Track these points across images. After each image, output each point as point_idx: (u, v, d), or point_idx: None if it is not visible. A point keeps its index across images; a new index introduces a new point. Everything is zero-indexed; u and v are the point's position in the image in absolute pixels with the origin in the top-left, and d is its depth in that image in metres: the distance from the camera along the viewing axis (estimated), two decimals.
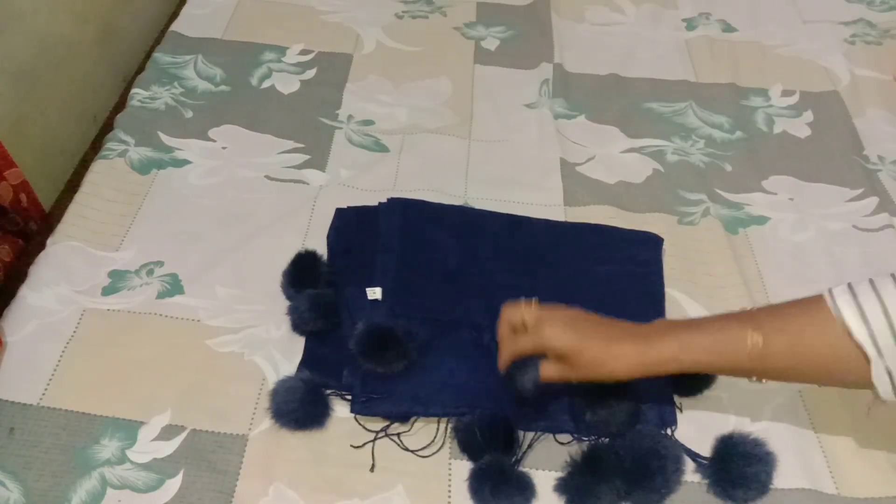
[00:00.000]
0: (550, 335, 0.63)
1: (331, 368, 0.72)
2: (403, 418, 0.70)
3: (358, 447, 0.68)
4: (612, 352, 0.62)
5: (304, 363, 0.74)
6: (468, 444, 0.68)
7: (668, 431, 0.70)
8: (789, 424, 0.71)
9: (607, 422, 0.69)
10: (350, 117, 1.04)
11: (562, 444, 0.69)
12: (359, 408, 0.70)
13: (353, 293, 0.78)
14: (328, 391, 0.71)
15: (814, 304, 0.58)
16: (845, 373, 0.58)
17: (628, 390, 0.69)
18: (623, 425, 0.68)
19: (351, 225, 0.87)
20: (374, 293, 0.78)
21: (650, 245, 0.86)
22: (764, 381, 0.61)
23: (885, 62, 1.18)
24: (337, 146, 0.99)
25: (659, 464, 0.65)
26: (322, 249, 0.84)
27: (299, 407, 0.68)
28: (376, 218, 0.87)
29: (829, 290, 0.58)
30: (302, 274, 0.80)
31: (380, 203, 0.88)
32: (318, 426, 0.69)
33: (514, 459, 0.67)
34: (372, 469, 0.67)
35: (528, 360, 0.65)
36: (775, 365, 0.59)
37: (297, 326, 0.76)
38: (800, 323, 0.59)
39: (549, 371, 0.64)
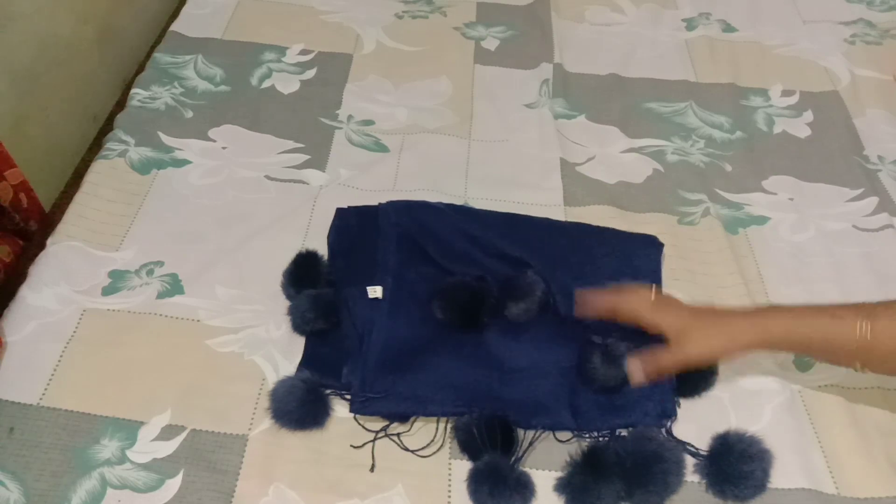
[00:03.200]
0: (665, 314, 0.68)
1: (331, 368, 0.72)
2: (403, 418, 0.70)
3: (358, 447, 0.68)
4: (723, 324, 0.66)
5: (304, 363, 0.74)
6: (468, 444, 0.68)
7: (668, 423, 0.70)
8: (789, 424, 0.71)
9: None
10: (350, 117, 1.04)
11: (562, 441, 0.69)
12: (358, 407, 0.70)
13: (353, 293, 0.78)
14: (328, 391, 0.71)
15: None
16: None
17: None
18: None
19: (351, 224, 0.87)
20: (375, 292, 0.78)
21: (649, 247, 0.86)
22: (866, 370, 0.63)
23: (885, 62, 1.18)
24: (337, 146, 0.99)
25: (661, 467, 0.64)
26: (322, 249, 0.84)
27: (299, 407, 0.68)
28: (376, 218, 0.87)
29: None
30: (302, 274, 0.80)
31: (379, 204, 0.89)
32: (317, 426, 0.69)
33: (513, 459, 0.67)
34: (372, 469, 0.67)
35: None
36: (884, 355, 0.61)
37: (298, 326, 0.76)
38: None
39: (663, 360, 0.68)
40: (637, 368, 0.70)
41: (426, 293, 0.78)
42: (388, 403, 0.70)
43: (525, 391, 0.72)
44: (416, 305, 0.77)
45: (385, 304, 0.77)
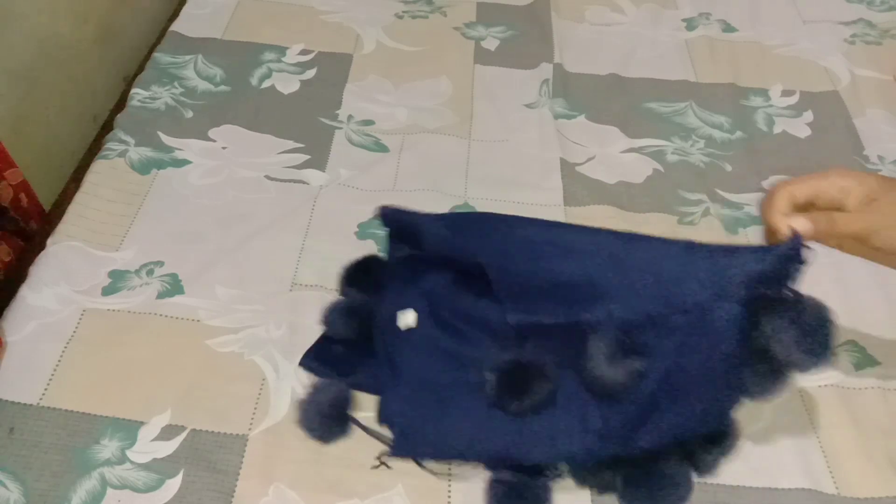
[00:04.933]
0: (840, 171, 0.57)
1: (339, 367, 0.72)
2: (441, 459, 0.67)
3: (377, 459, 0.67)
4: None
5: (313, 354, 0.73)
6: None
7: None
8: (789, 424, 0.71)
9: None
10: (350, 117, 1.04)
11: None
12: (397, 451, 0.66)
13: (385, 319, 0.73)
14: (356, 424, 0.68)
15: None
16: None
17: None
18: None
19: (403, 238, 0.77)
20: (406, 319, 0.71)
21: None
22: None
23: (885, 62, 1.18)
24: (337, 146, 0.99)
25: (671, 494, 0.64)
26: (324, 248, 0.84)
27: (323, 419, 0.67)
28: (421, 235, 0.76)
29: None
30: (362, 277, 0.77)
31: (427, 216, 0.76)
32: (323, 442, 0.68)
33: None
34: (374, 467, 0.67)
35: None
36: None
37: (330, 331, 0.74)
38: None
39: (813, 223, 0.57)
40: (803, 223, 0.58)
41: (462, 331, 0.70)
42: (428, 446, 0.66)
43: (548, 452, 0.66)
44: (451, 342, 0.70)
45: (420, 340, 0.70)
